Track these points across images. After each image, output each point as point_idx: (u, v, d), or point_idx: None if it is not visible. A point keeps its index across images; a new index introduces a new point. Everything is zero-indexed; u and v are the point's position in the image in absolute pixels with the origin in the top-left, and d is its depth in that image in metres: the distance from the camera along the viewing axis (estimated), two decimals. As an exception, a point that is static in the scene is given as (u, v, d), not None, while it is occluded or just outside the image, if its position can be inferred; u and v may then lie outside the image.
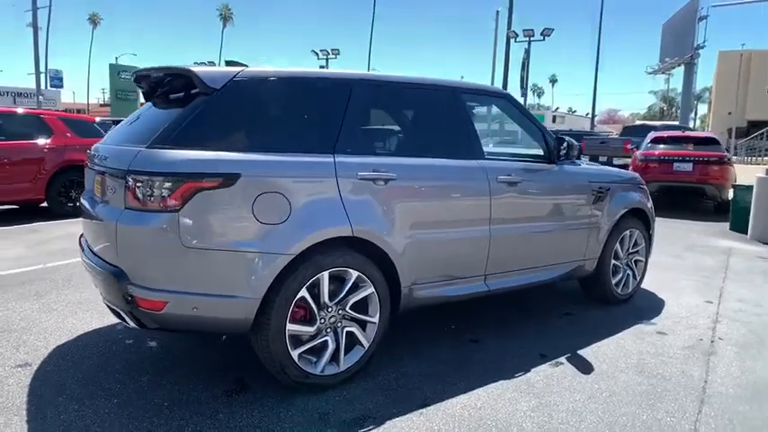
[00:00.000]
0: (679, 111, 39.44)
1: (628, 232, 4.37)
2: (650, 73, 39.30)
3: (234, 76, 2.62)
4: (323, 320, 2.75)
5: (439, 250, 3.15)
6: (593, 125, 36.28)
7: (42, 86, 32.89)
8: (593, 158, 15.61)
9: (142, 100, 3.39)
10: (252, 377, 2.88)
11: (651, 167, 9.85)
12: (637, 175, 4.85)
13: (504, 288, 3.57)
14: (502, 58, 26.75)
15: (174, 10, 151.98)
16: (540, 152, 3.82)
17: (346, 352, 2.84)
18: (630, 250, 4.47)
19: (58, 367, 3.00)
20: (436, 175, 3.11)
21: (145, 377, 2.90)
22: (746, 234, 7.72)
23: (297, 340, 2.68)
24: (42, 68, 34.06)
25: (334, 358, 2.80)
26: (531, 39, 24.02)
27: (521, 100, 26.31)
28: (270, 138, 2.68)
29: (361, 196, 2.80)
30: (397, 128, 3.50)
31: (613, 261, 4.28)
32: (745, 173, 12.53)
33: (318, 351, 2.77)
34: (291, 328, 2.62)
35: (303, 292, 2.63)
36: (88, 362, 3.07)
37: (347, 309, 2.82)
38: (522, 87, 24.70)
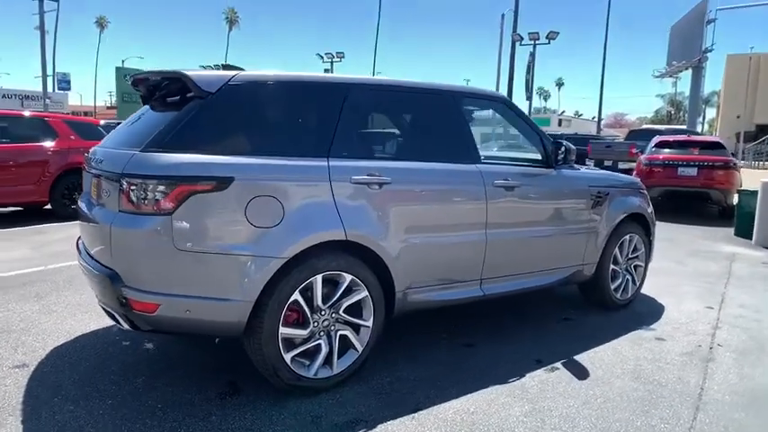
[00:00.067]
0: (687, 114, 39.22)
1: (627, 237, 4.35)
2: (657, 76, 39.07)
3: (228, 80, 2.64)
4: (316, 324, 2.75)
5: (434, 254, 3.15)
6: (599, 129, 36.15)
7: (50, 89, 33.21)
8: (599, 162, 15.58)
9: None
10: (245, 380, 2.89)
11: (655, 172, 9.80)
12: (637, 179, 4.83)
13: (501, 293, 3.56)
14: (507, 62, 26.75)
15: (180, 13, 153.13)
16: (538, 156, 3.82)
17: (340, 355, 2.85)
18: (630, 255, 4.45)
19: (55, 368, 3.02)
20: (431, 179, 3.12)
21: (140, 379, 2.91)
22: (751, 239, 7.66)
23: (290, 343, 2.69)
24: (50, 71, 34.43)
25: (328, 362, 2.81)
26: (537, 42, 24.00)
27: (525, 103, 26.42)
28: (264, 141, 2.70)
29: (356, 200, 2.81)
30: (392, 132, 3.51)
31: (612, 266, 4.27)
32: (751, 177, 12.45)
33: (312, 354, 2.78)
34: (284, 331, 2.63)
35: (296, 296, 2.64)
36: (85, 363, 3.10)
37: (341, 312, 2.82)
38: (527, 90, 24.67)
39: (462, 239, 3.26)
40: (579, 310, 4.32)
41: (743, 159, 25.14)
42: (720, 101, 48.12)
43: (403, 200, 3.00)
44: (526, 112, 26.16)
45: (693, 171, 9.51)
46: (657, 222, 8.77)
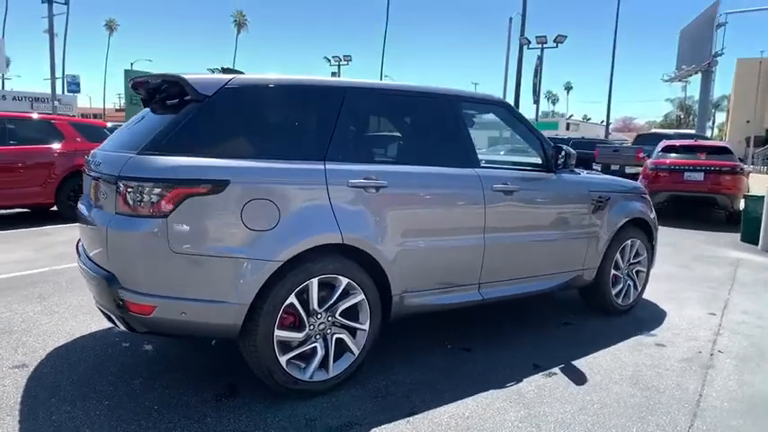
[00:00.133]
0: (696, 119, 38.96)
1: (629, 242, 4.33)
2: (667, 80, 38.91)
3: (225, 84, 2.66)
4: (312, 327, 2.76)
5: (431, 258, 3.15)
6: (607, 133, 35.99)
7: (59, 92, 33.51)
8: (605, 167, 15.53)
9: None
10: (243, 382, 2.90)
11: (661, 176, 9.74)
12: (639, 184, 4.81)
13: (499, 297, 3.55)
14: (515, 65, 26.71)
15: (189, 17, 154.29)
16: (539, 161, 3.81)
17: (336, 359, 2.85)
18: (632, 260, 4.42)
19: (54, 369, 3.05)
20: (429, 183, 3.12)
21: (137, 380, 2.93)
22: (757, 245, 7.59)
23: (285, 346, 2.70)
24: (59, 74, 34.77)
25: (324, 365, 2.81)
26: (544, 46, 23.95)
27: (533, 107, 26.39)
28: (261, 145, 2.71)
29: (352, 204, 2.82)
30: (389, 135, 3.51)
31: (613, 271, 4.24)
32: (761, 182, 12.36)
33: (308, 357, 2.78)
34: (280, 334, 2.64)
35: (292, 299, 2.65)
36: (84, 364, 3.12)
37: (337, 315, 2.83)
38: (534, 94, 24.62)
39: (460, 243, 3.25)
40: (579, 315, 4.30)
41: (752, 164, 24.92)
42: (730, 105, 47.78)
43: (400, 203, 3.00)
44: (533, 115, 26.13)
45: (700, 176, 9.44)
46: (663, 227, 8.75)
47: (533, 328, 3.99)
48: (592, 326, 4.09)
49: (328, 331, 2.82)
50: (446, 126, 3.31)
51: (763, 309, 4.68)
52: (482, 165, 3.43)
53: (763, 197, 7.62)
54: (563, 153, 3.66)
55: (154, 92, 3.10)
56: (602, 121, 41.50)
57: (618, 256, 4.25)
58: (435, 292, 3.22)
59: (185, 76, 2.64)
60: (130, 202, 2.42)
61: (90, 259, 2.79)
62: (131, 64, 46.83)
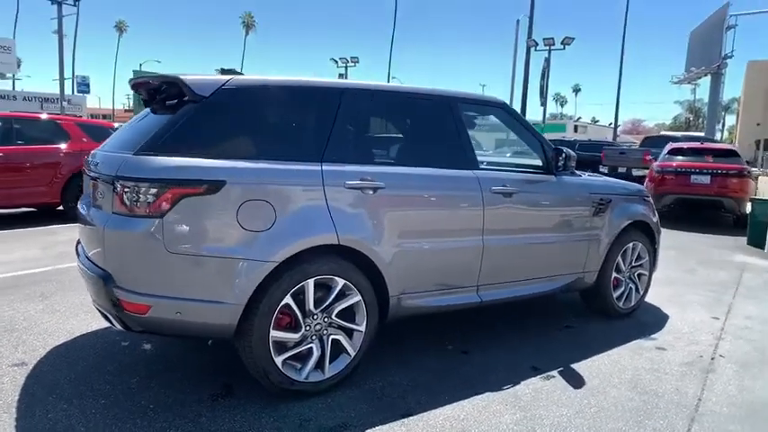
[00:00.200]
0: (705, 121, 38.66)
1: (631, 245, 4.30)
2: (676, 83, 38.65)
3: (222, 85, 2.67)
4: (308, 328, 2.76)
5: (429, 260, 3.14)
6: (615, 135, 35.78)
7: (69, 92, 33.83)
8: (612, 169, 15.43)
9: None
10: (239, 382, 2.90)
11: (668, 179, 9.68)
12: (642, 187, 4.78)
13: (498, 299, 3.54)
14: (522, 68, 26.63)
15: (198, 18, 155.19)
16: (539, 163, 3.79)
17: (332, 360, 2.85)
18: (633, 264, 4.39)
19: (53, 367, 3.07)
20: (426, 185, 3.11)
21: (135, 379, 2.95)
22: (764, 249, 7.52)
23: (281, 346, 2.70)
24: (69, 75, 35.10)
25: (319, 366, 2.81)
26: (552, 48, 23.85)
27: (540, 109, 26.26)
28: (257, 145, 2.72)
29: (349, 205, 2.82)
30: (387, 137, 3.51)
31: (615, 274, 4.22)
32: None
33: (303, 358, 2.79)
34: (275, 334, 2.65)
35: (288, 300, 2.65)
36: (83, 363, 3.14)
37: (333, 316, 2.83)
38: (541, 96, 24.51)
39: (458, 245, 3.25)
40: (580, 318, 4.28)
41: (762, 167, 24.68)
42: (740, 108, 47.31)
43: (397, 205, 3.00)
44: (540, 118, 25.94)
45: (706, 179, 9.37)
46: (669, 230, 8.70)
47: (533, 331, 3.97)
48: (592, 329, 4.07)
49: (324, 332, 2.82)
50: (444, 127, 3.30)
51: (767, 313, 4.63)
52: (481, 166, 3.42)
53: (769, 201, 7.55)
54: (563, 155, 3.64)
55: (154, 92, 3.11)
56: (611, 124, 41.28)
57: (619, 259, 4.22)
58: (433, 293, 3.21)
59: (182, 77, 2.65)
60: (127, 202, 2.44)
61: (88, 259, 2.81)
62: (140, 65, 47.16)
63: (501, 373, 3.21)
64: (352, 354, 2.90)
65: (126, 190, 2.44)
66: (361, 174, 2.86)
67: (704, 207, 9.80)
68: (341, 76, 33.44)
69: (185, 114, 2.59)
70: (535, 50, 24.91)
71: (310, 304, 2.74)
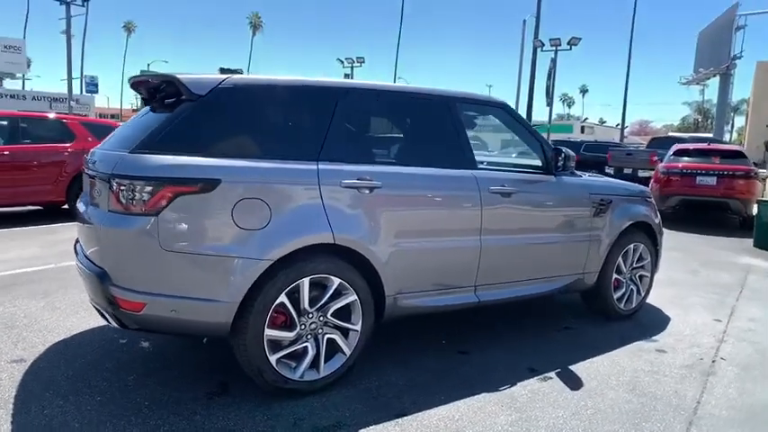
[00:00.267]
0: (714, 122, 38.36)
1: (632, 246, 4.27)
2: (684, 83, 38.37)
3: (219, 84, 2.68)
4: (303, 326, 2.76)
5: (426, 260, 3.13)
6: (622, 136, 35.60)
7: (78, 92, 34.09)
8: (618, 170, 15.34)
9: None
10: (235, 381, 2.90)
11: (673, 180, 9.61)
12: (644, 188, 4.73)
13: (496, 300, 3.52)
14: (529, 68, 26.56)
15: (205, 19, 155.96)
16: (539, 163, 3.78)
17: (327, 359, 2.85)
18: (635, 265, 4.36)
19: (51, 364, 3.09)
20: (423, 184, 3.11)
21: (132, 376, 2.96)
22: (770, 251, 7.45)
23: (276, 345, 2.70)
24: (78, 74, 35.37)
25: (314, 365, 2.81)
26: (558, 48, 23.77)
27: (546, 110, 26.16)
28: (254, 144, 2.73)
29: (345, 204, 2.81)
30: (385, 136, 3.51)
31: (615, 275, 4.18)
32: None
33: (299, 357, 2.79)
34: (270, 333, 2.65)
35: (282, 298, 2.65)
36: (80, 360, 3.16)
37: (329, 316, 2.83)
38: (547, 97, 24.44)
39: (456, 245, 3.23)
40: (580, 320, 4.25)
41: (770, 169, 24.45)
42: (749, 109, 46.90)
43: (394, 204, 2.99)
44: (547, 118, 25.87)
45: (712, 180, 9.29)
46: (674, 232, 8.65)
47: (533, 332, 3.95)
48: (592, 330, 4.04)
49: (320, 331, 2.82)
50: (442, 127, 3.29)
51: (770, 316, 4.58)
52: (480, 166, 3.40)
53: (776, 202, 7.48)
54: (562, 155, 3.62)
55: (153, 91, 3.13)
56: (618, 125, 41.07)
57: (620, 260, 4.19)
58: (430, 293, 3.20)
59: (179, 76, 2.66)
60: (122, 200, 2.45)
61: (86, 257, 2.82)
62: (148, 65, 47.40)
63: (498, 373, 3.19)
64: (348, 353, 2.90)
65: (122, 188, 2.45)
66: (357, 173, 2.86)
67: (710, 209, 9.72)
68: (347, 76, 33.49)
69: (182, 113, 2.60)
70: (541, 51, 24.84)
71: (305, 303, 2.74)
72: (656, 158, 13.65)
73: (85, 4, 28.19)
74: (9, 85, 35.53)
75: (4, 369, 2.99)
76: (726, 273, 6.18)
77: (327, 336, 2.84)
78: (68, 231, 6.99)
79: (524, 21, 28.02)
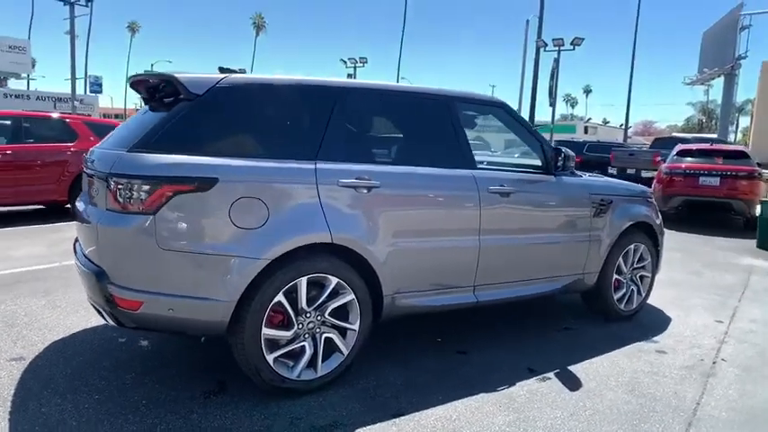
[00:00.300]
0: (718, 123, 38.19)
1: (632, 246, 4.25)
2: (688, 84, 38.18)
3: (217, 83, 2.68)
4: (300, 326, 2.76)
5: (424, 259, 3.13)
6: (626, 137, 35.50)
7: (82, 92, 34.22)
8: (621, 171, 15.30)
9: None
10: (233, 380, 2.90)
11: (676, 181, 9.57)
12: (645, 188, 4.71)
13: (495, 300, 3.51)
14: (532, 68, 26.52)
15: (209, 19, 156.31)
16: (539, 163, 3.77)
17: (325, 358, 2.85)
18: (635, 265, 4.34)
19: (50, 362, 3.10)
20: (421, 184, 3.10)
21: (130, 375, 2.96)
22: (773, 252, 7.41)
23: (273, 344, 2.70)
24: (82, 74, 35.49)
25: (312, 364, 2.81)
26: (561, 48, 23.72)
27: (549, 110, 26.12)
28: (251, 143, 2.73)
29: (343, 203, 2.81)
30: (383, 136, 3.50)
31: (616, 276, 4.17)
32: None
33: (296, 356, 2.79)
34: (267, 332, 2.65)
35: (280, 297, 2.65)
36: (79, 358, 3.16)
37: (326, 315, 2.82)
38: (550, 97, 24.38)
39: (454, 245, 3.23)
40: (581, 320, 4.23)
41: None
42: (754, 109, 46.67)
43: (392, 204, 2.99)
44: (549, 118, 25.78)
45: (716, 181, 9.25)
46: (677, 232, 8.62)
47: (533, 332, 3.94)
48: (592, 331, 4.03)
49: (317, 330, 2.82)
50: (441, 127, 3.28)
51: (772, 317, 4.55)
52: (479, 166, 3.40)
53: (779, 203, 7.44)
54: (562, 155, 3.61)
55: (153, 91, 3.13)
56: (622, 125, 40.95)
57: (620, 260, 4.18)
58: (428, 293, 3.20)
59: (177, 75, 2.66)
60: (120, 199, 2.46)
61: (85, 256, 2.83)
62: (152, 65, 47.55)
63: (497, 373, 3.18)
64: (345, 353, 2.90)
65: (120, 187, 2.45)
66: (355, 172, 2.86)
67: (713, 209, 9.68)
68: (350, 76, 33.49)
69: (179, 112, 2.61)
70: (544, 51, 24.81)
71: (303, 302, 2.74)
72: (659, 159, 13.60)
73: (89, 4, 28.31)
74: (14, 85, 35.70)
75: (3, 367, 3.00)
76: (728, 274, 6.15)
77: (325, 335, 2.84)
78: (71, 230, 6.97)
79: (527, 21, 28.01)
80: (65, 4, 26.76)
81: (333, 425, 2.55)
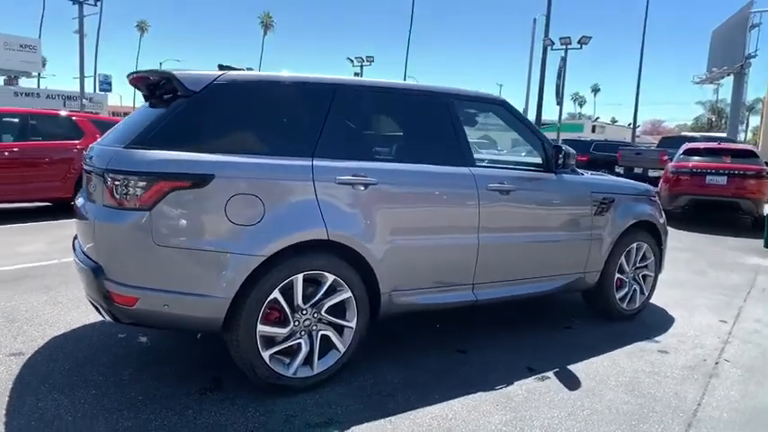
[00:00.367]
0: (728, 122, 37.82)
1: (635, 245, 4.21)
2: (697, 83, 37.84)
3: (214, 80, 2.68)
4: (296, 323, 2.75)
5: (422, 257, 3.11)
6: (634, 136, 35.26)
7: (91, 91, 34.45)
8: (628, 170, 15.19)
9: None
10: (229, 376, 2.90)
11: (682, 180, 9.48)
12: (649, 187, 4.66)
13: (495, 298, 3.49)
14: (539, 67, 26.38)
15: (217, 18, 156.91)
16: (539, 160, 3.74)
17: (321, 356, 2.84)
18: (638, 264, 4.30)
19: (49, 358, 3.11)
20: (419, 181, 3.08)
21: (127, 371, 2.97)
22: (781, 252, 7.32)
23: (269, 341, 2.69)
24: (92, 73, 35.73)
25: (308, 361, 2.80)
26: (568, 47, 23.58)
27: (556, 109, 25.96)
28: (248, 140, 2.72)
29: (340, 200, 2.80)
30: (381, 133, 3.49)
31: (618, 275, 4.13)
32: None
33: (293, 353, 2.78)
34: (263, 329, 2.64)
35: (276, 294, 2.65)
36: (78, 354, 3.18)
37: (323, 312, 2.81)
38: (557, 96, 24.25)
39: (452, 242, 3.21)
40: (582, 320, 4.20)
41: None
42: (764, 108, 46.20)
43: (389, 201, 2.97)
44: (556, 117, 25.66)
45: (723, 180, 9.15)
46: (683, 232, 8.55)
47: (534, 331, 3.91)
48: (594, 330, 3.99)
49: (314, 328, 2.81)
50: (439, 124, 3.26)
51: (777, 318, 4.50)
52: (478, 164, 3.37)
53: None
54: (562, 153, 3.58)
55: (153, 88, 3.13)
56: (630, 124, 40.69)
57: (623, 259, 4.14)
58: (426, 291, 3.18)
59: (174, 72, 2.66)
60: (116, 195, 2.46)
61: (83, 252, 2.84)
62: (160, 63, 47.75)
63: (496, 373, 3.16)
64: (342, 350, 2.89)
65: (116, 183, 2.46)
66: (352, 169, 2.85)
67: (720, 208, 9.58)
68: (356, 74, 33.50)
69: (176, 109, 2.61)
70: (551, 50, 24.67)
71: (299, 299, 2.73)
72: (666, 158, 13.49)
73: (98, 3, 28.49)
74: (25, 83, 36.01)
75: (2, 362, 3.02)
76: (734, 274, 6.08)
77: (321, 332, 2.83)
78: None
79: (534, 20, 27.87)
80: (73, 3, 26.95)
81: (327, 422, 2.54)
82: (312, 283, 2.78)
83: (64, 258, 5.35)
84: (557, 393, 2.95)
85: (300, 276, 2.70)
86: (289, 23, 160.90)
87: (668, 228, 4.63)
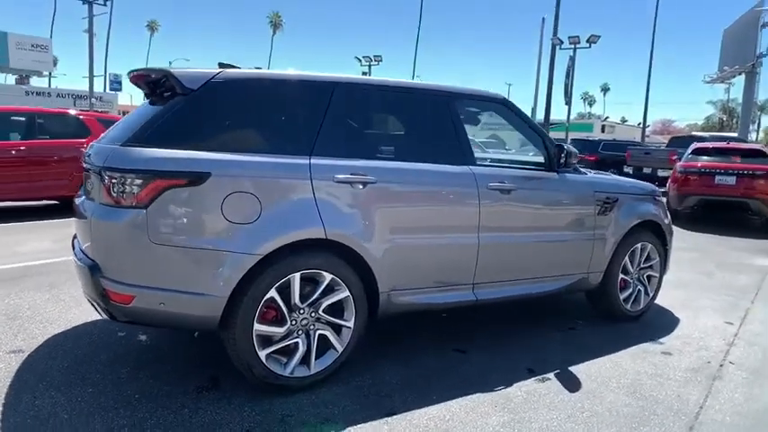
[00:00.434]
0: (739, 122, 37.41)
1: (639, 245, 4.16)
2: (708, 82, 37.40)
3: (212, 78, 2.67)
4: (294, 322, 2.74)
5: (421, 256, 3.09)
6: (644, 135, 34.99)
7: (101, 90, 34.73)
8: (638, 169, 15.09)
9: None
10: (226, 375, 2.89)
11: (691, 180, 9.37)
12: (654, 186, 4.61)
13: (495, 298, 3.46)
14: (547, 66, 26.23)
15: (227, 18, 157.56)
16: (541, 159, 3.70)
17: (319, 355, 2.82)
18: (642, 265, 4.24)
19: (48, 355, 3.12)
20: (418, 180, 3.06)
21: (125, 369, 2.97)
22: (791, 253, 7.21)
23: (265, 340, 2.68)
24: (102, 72, 36.01)
25: (305, 361, 2.78)
26: (577, 46, 23.44)
27: (564, 108, 25.81)
28: (246, 138, 2.71)
29: (338, 199, 2.78)
30: (380, 131, 3.46)
31: (622, 275, 4.08)
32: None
33: (290, 353, 2.76)
34: (259, 328, 2.63)
35: (272, 293, 2.63)
36: (77, 351, 3.18)
37: (320, 311, 2.80)
38: (565, 95, 24.10)
39: (452, 242, 3.18)
40: (586, 320, 4.16)
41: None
42: (777, 108, 45.61)
43: (388, 200, 2.95)
44: (565, 117, 25.52)
45: (732, 180, 9.04)
46: (692, 232, 8.46)
47: (534, 332, 3.87)
48: (597, 331, 3.95)
49: (311, 327, 2.79)
50: (439, 122, 3.24)
51: (785, 320, 4.43)
52: (479, 163, 3.34)
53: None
54: (564, 152, 3.54)
55: (153, 86, 3.13)
56: (640, 124, 40.37)
57: (627, 259, 4.09)
58: (426, 290, 3.15)
59: (172, 70, 2.66)
60: (113, 193, 2.46)
61: (81, 250, 2.84)
62: (170, 63, 48.01)
63: (495, 374, 3.13)
64: (340, 350, 2.87)
65: (113, 181, 2.45)
66: (351, 168, 2.83)
67: (730, 209, 9.47)
68: (364, 74, 33.46)
69: (173, 106, 2.61)
70: (560, 49, 24.52)
71: (296, 298, 2.71)
72: (675, 158, 13.37)
73: (108, 3, 28.71)
74: (36, 82, 36.38)
75: (1, 359, 3.03)
76: (742, 274, 6.00)
77: (319, 332, 2.81)
78: (81, 226, 7.11)
79: (543, 19, 27.65)
80: (83, 3, 27.16)
81: (324, 422, 2.53)
82: (310, 282, 2.77)
83: (68, 256, 5.35)
84: (557, 395, 2.92)
85: (297, 275, 2.68)
86: (298, 23, 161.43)
87: (674, 228, 4.57)
